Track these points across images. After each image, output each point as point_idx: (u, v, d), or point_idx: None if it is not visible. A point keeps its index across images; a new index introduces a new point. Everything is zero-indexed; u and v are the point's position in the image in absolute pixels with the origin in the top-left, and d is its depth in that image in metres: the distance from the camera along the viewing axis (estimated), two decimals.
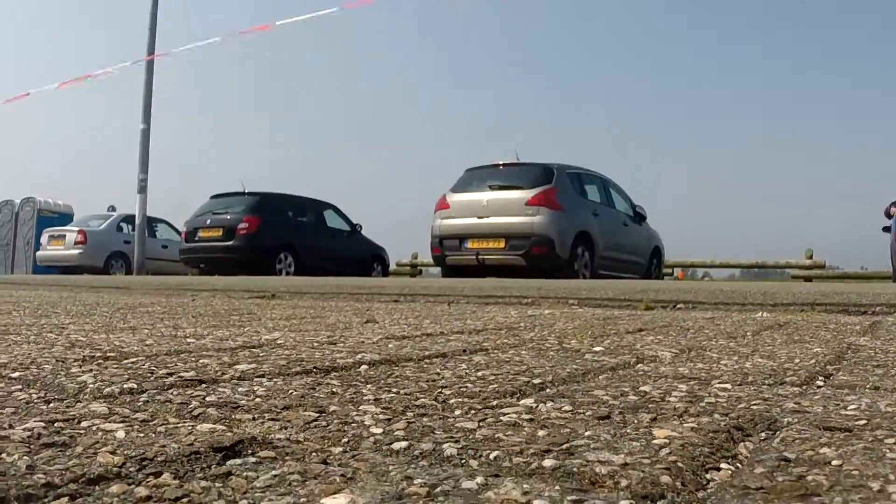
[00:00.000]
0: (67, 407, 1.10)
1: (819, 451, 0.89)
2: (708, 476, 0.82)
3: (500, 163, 11.86)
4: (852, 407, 1.17)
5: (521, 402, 1.21)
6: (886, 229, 12.64)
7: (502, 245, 10.97)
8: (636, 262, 13.04)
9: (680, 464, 0.84)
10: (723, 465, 0.86)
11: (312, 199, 15.38)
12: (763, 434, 1.01)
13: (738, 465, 0.86)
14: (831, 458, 0.86)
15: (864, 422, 1.06)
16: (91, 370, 1.44)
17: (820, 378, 1.48)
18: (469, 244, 11.24)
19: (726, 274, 25.34)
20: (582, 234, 11.23)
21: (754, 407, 1.17)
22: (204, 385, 1.32)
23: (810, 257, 18.04)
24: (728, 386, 1.38)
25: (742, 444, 0.96)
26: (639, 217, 13.22)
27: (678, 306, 3.86)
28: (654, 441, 0.94)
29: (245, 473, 0.80)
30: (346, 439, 0.96)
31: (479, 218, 11.11)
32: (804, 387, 1.38)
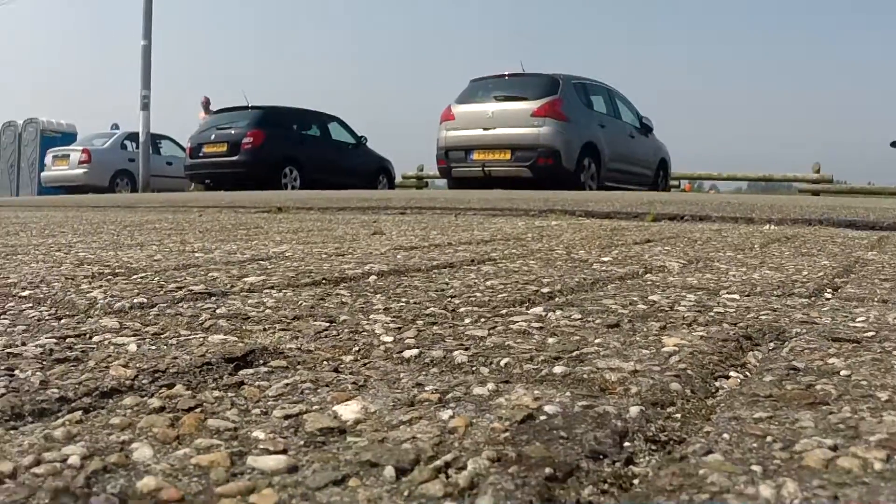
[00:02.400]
0: (78, 323, 1.10)
1: (827, 362, 0.89)
2: (717, 384, 0.82)
3: (506, 73, 11.74)
4: (860, 319, 1.17)
5: (531, 310, 1.22)
6: (894, 144, 12.52)
7: (508, 156, 10.91)
8: (643, 174, 12.98)
9: (689, 371, 0.84)
10: (732, 374, 0.86)
11: (317, 112, 15.23)
12: (772, 344, 1.01)
13: (747, 373, 0.87)
14: (840, 369, 0.86)
15: (872, 333, 1.06)
16: (101, 286, 1.44)
17: (828, 290, 1.48)
18: (475, 156, 11.18)
19: (733, 187, 25.27)
20: (588, 146, 11.15)
21: (763, 317, 1.18)
22: (214, 298, 1.33)
23: (818, 171, 17.90)
24: (736, 296, 1.38)
25: (751, 353, 0.96)
26: (645, 128, 13.11)
27: (685, 218, 3.85)
28: (664, 349, 0.95)
29: (257, 383, 0.81)
30: (356, 348, 0.96)
31: (485, 129, 11.03)
32: (812, 298, 1.38)
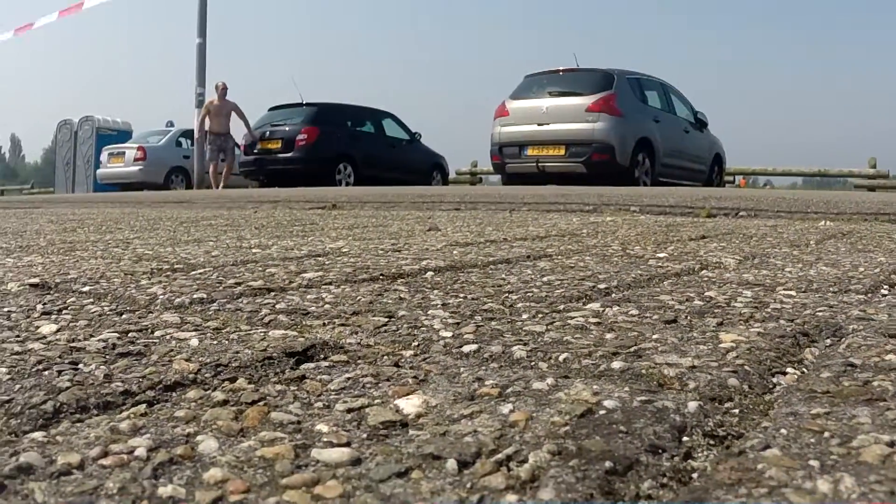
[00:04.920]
0: (139, 318, 1.12)
1: (884, 358, 0.89)
2: (774, 380, 0.82)
3: (560, 69, 11.67)
4: None
5: (588, 306, 1.23)
6: None
7: (562, 152, 10.84)
8: (697, 170, 12.82)
9: (747, 367, 0.85)
10: (789, 370, 0.86)
11: (371, 109, 15.24)
12: (829, 340, 1.01)
13: (805, 369, 0.87)
14: None
15: None
16: (160, 282, 1.46)
17: (885, 286, 1.47)
18: (529, 151, 11.12)
19: (788, 182, 24.94)
20: (642, 141, 11.05)
21: (819, 313, 1.17)
22: (273, 293, 1.35)
23: (874, 166, 17.54)
24: (793, 293, 1.38)
25: (808, 349, 0.96)
26: (700, 123, 12.96)
27: (740, 214, 3.82)
28: (721, 345, 0.95)
29: (319, 377, 0.82)
30: (416, 343, 0.98)
31: (539, 125, 10.97)
32: (869, 295, 1.37)
